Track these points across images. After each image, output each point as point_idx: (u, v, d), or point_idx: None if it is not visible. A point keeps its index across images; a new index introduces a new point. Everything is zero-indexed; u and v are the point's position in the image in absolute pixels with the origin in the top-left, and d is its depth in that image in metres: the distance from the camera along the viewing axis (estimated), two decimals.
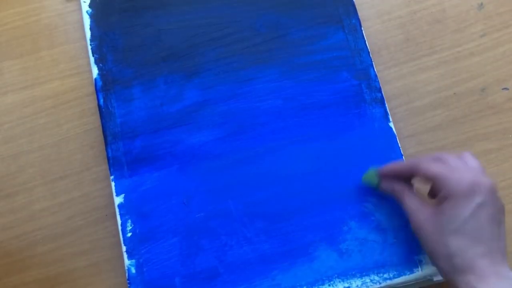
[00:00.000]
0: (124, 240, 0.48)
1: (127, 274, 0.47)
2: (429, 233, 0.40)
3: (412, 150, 0.51)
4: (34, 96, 0.53)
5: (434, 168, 0.41)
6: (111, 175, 0.49)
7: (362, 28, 0.54)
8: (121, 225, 0.48)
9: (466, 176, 0.40)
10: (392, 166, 0.45)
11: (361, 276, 0.47)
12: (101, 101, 0.51)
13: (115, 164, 0.50)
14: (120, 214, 0.48)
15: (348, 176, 0.50)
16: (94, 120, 0.52)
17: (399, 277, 0.46)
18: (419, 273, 0.46)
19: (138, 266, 0.47)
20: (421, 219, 0.41)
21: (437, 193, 0.41)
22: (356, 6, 0.54)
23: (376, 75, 0.52)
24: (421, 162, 0.42)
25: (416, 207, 0.42)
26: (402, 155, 0.50)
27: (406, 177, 0.45)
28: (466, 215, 0.39)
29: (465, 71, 0.54)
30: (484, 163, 0.50)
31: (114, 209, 0.49)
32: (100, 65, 0.52)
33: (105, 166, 0.51)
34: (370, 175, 0.47)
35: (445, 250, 0.39)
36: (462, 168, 0.41)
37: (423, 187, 0.47)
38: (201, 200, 0.49)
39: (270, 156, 0.50)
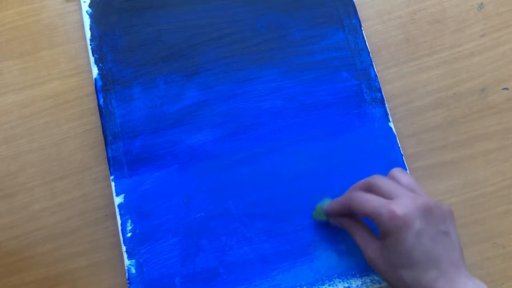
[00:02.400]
0: (124, 240, 0.48)
1: (127, 274, 0.47)
2: (381, 268, 0.40)
3: (412, 150, 0.52)
4: (34, 96, 0.53)
5: (365, 206, 0.41)
6: (111, 175, 0.50)
7: (362, 28, 0.54)
8: (121, 225, 0.48)
9: (398, 209, 0.39)
10: (331, 206, 0.45)
11: (361, 276, 0.47)
12: (101, 101, 0.51)
13: (115, 164, 0.50)
14: (120, 214, 0.49)
15: (348, 176, 0.50)
16: (94, 120, 0.53)
17: None
18: None
19: (138, 266, 0.47)
20: (371, 255, 0.41)
21: None
22: (356, 6, 0.54)
23: (376, 75, 0.53)
24: (353, 199, 0.42)
25: (365, 243, 0.42)
26: (402, 154, 0.50)
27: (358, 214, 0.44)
28: (409, 247, 0.38)
29: (465, 71, 0.54)
30: (484, 163, 0.51)
31: (114, 209, 0.49)
32: (100, 65, 0.52)
33: (105, 166, 0.51)
34: (318, 212, 0.47)
35: (400, 282, 0.39)
36: (394, 194, 0.41)
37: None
38: (201, 200, 0.49)
39: (270, 156, 0.51)
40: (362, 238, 0.43)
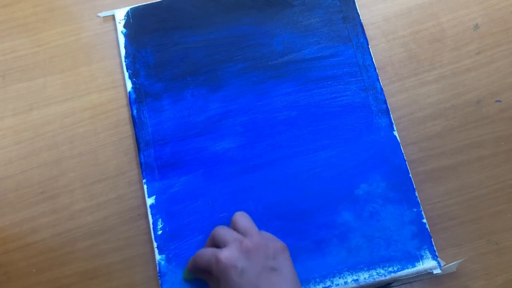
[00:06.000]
0: (155, 237, 0.50)
1: (158, 268, 0.49)
2: None
3: (414, 156, 0.52)
4: (74, 108, 0.54)
5: (201, 260, 0.44)
6: (143, 179, 0.51)
7: (369, 47, 0.55)
8: (153, 223, 0.50)
9: (222, 255, 0.42)
10: (188, 265, 0.47)
11: (368, 270, 0.48)
12: (135, 112, 0.53)
13: (147, 169, 0.52)
14: (152, 214, 0.50)
15: (357, 180, 0.51)
16: (128, 129, 0.54)
17: (402, 270, 0.48)
18: (420, 266, 0.48)
19: (167, 260, 0.49)
20: None
21: None
22: (364, 27, 0.56)
23: (381, 89, 0.54)
24: (195, 256, 0.45)
25: None
26: (405, 160, 0.51)
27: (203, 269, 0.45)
28: (236, 285, 0.40)
29: (462, 85, 0.54)
30: (479, 168, 0.52)
31: (146, 209, 0.51)
32: (134, 79, 0.54)
33: (138, 171, 0.53)
34: (186, 273, 0.48)
35: None
36: (226, 243, 0.43)
37: None
38: (224, 201, 0.51)
39: (286, 162, 0.52)
40: (212, 285, 0.45)
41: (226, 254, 0.42)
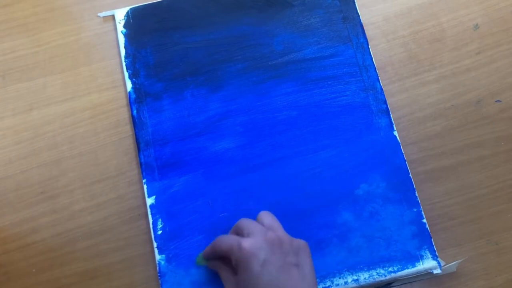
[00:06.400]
0: (155, 237, 0.50)
1: (158, 268, 0.49)
2: None
3: (414, 156, 0.52)
4: (74, 108, 0.55)
5: (222, 245, 0.43)
6: (143, 179, 0.52)
7: (369, 47, 0.56)
8: (152, 223, 0.50)
9: (246, 242, 0.41)
10: (205, 250, 0.46)
11: (368, 270, 0.48)
12: (134, 112, 0.54)
13: (147, 169, 0.52)
14: (152, 214, 0.50)
15: (357, 180, 0.51)
16: (128, 129, 0.54)
17: (402, 270, 0.48)
18: (420, 266, 0.48)
19: (167, 260, 0.49)
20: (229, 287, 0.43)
21: None
22: (364, 27, 0.56)
23: (382, 89, 0.54)
24: (215, 241, 0.45)
25: (227, 277, 0.44)
26: (405, 160, 0.51)
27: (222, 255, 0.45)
28: (256, 275, 0.40)
29: (462, 85, 0.55)
30: (479, 168, 0.52)
31: (146, 209, 0.51)
32: (134, 79, 0.54)
33: (138, 171, 0.53)
34: (200, 258, 0.47)
35: None
36: (251, 232, 0.43)
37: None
38: (224, 201, 0.51)
39: (286, 162, 0.52)
40: (224, 274, 0.44)
41: (250, 242, 0.42)
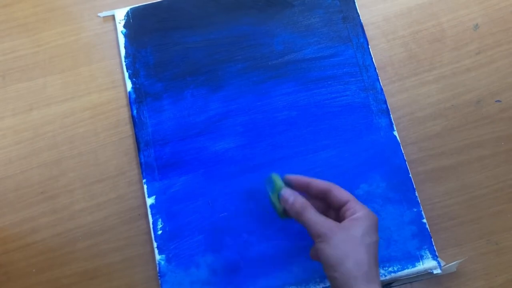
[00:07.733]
0: (155, 237, 0.50)
1: (158, 268, 0.49)
2: (340, 242, 0.40)
3: (414, 156, 0.53)
4: (74, 108, 0.55)
5: (345, 194, 0.44)
6: (143, 179, 0.52)
7: (369, 47, 0.56)
8: (153, 223, 0.50)
9: (364, 205, 0.43)
10: (297, 177, 0.46)
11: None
12: (134, 112, 0.54)
13: (147, 169, 0.52)
14: (152, 214, 0.51)
15: (357, 180, 0.51)
16: (128, 129, 0.54)
17: (402, 270, 0.49)
18: (420, 266, 0.48)
19: (167, 260, 0.49)
20: (326, 230, 0.41)
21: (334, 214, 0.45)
22: (364, 27, 0.56)
23: (381, 89, 0.54)
24: (334, 185, 0.44)
25: (320, 219, 0.42)
26: (405, 160, 0.52)
27: (311, 194, 0.45)
28: (372, 232, 0.41)
29: (462, 85, 0.55)
30: (479, 167, 0.52)
31: (146, 209, 0.51)
32: (134, 79, 0.55)
33: (138, 171, 0.53)
34: (275, 178, 0.46)
35: (359, 256, 0.40)
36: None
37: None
38: (224, 201, 0.51)
39: (286, 161, 0.52)
40: (316, 215, 0.43)
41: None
